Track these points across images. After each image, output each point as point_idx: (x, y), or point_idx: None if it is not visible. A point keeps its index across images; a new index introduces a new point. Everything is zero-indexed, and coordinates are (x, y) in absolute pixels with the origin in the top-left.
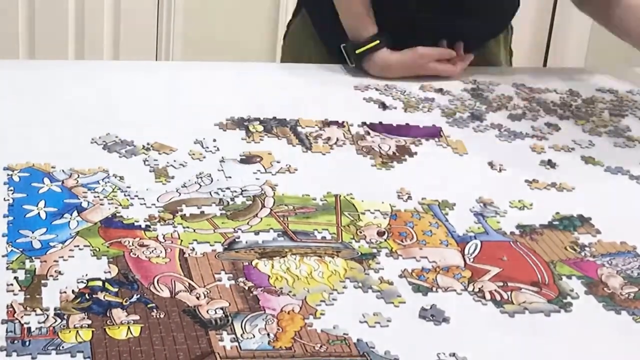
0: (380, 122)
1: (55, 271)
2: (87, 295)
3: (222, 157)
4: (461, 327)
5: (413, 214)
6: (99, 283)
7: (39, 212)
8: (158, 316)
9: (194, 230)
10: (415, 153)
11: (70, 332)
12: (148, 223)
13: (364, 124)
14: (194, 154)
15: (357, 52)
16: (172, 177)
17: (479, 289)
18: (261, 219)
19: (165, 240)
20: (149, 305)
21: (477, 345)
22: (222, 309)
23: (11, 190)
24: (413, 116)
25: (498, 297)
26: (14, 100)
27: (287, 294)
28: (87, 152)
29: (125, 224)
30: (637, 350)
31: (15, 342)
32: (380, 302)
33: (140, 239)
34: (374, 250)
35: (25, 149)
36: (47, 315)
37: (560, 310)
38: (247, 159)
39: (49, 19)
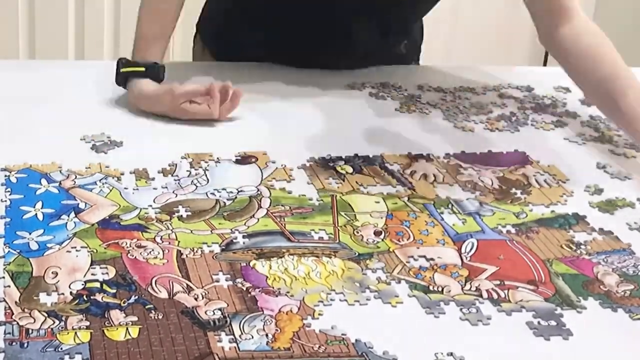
0: (463, 152)
1: (52, 272)
2: (85, 296)
3: (218, 158)
4: (459, 326)
5: (409, 213)
6: (97, 284)
7: (36, 214)
8: (156, 317)
9: (191, 231)
10: (527, 184)
11: (68, 333)
12: (144, 224)
13: (447, 155)
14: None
15: (120, 70)
16: (153, 179)
17: (476, 287)
18: (258, 219)
19: (162, 242)
20: (147, 307)
21: (475, 345)
22: (220, 309)
23: (8, 191)
24: (413, 117)
25: (495, 296)
26: (12, 101)
27: (285, 295)
28: (84, 153)
29: (123, 225)
30: (635, 347)
31: (14, 344)
32: (377, 302)
33: (138, 240)
34: (372, 251)
35: (23, 149)
36: (45, 317)
37: (557, 308)
38: (243, 160)
39: (49, 19)
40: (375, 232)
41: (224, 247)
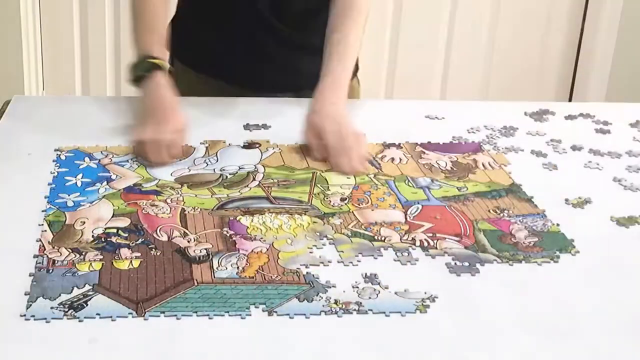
0: (429, 142)
1: (80, 221)
2: (102, 238)
3: (229, 144)
4: (391, 265)
5: (372, 185)
6: (114, 230)
7: (76, 182)
8: (155, 254)
9: (196, 195)
10: (475, 166)
11: (85, 264)
12: (160, 190)
13: (416, 144)
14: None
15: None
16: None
17: (412, 238)
18: (250, 188)
19: (171, 202)
20: (149, 246)
21: (399, 277)
22: (206, 249)
23: (57, 165)
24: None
25: (426, 244)
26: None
27: (259, 240)
28: (122, 138)
29: (143, 190)
30: (527, 277)
31: (42, 270)
32: (331, 247)
33: (153, 201)
34: (335, 211)
35: (75, 136)
36: (69, 252)
37: (473, 254)
38: (249, 145)
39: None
40: (341, 199)
41: (218, 207)
